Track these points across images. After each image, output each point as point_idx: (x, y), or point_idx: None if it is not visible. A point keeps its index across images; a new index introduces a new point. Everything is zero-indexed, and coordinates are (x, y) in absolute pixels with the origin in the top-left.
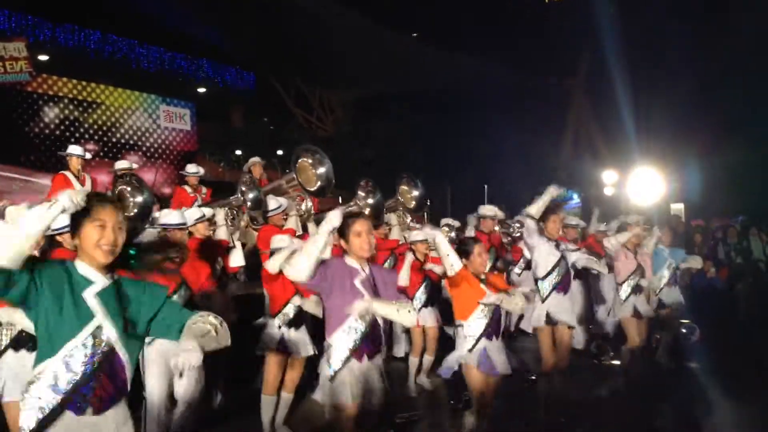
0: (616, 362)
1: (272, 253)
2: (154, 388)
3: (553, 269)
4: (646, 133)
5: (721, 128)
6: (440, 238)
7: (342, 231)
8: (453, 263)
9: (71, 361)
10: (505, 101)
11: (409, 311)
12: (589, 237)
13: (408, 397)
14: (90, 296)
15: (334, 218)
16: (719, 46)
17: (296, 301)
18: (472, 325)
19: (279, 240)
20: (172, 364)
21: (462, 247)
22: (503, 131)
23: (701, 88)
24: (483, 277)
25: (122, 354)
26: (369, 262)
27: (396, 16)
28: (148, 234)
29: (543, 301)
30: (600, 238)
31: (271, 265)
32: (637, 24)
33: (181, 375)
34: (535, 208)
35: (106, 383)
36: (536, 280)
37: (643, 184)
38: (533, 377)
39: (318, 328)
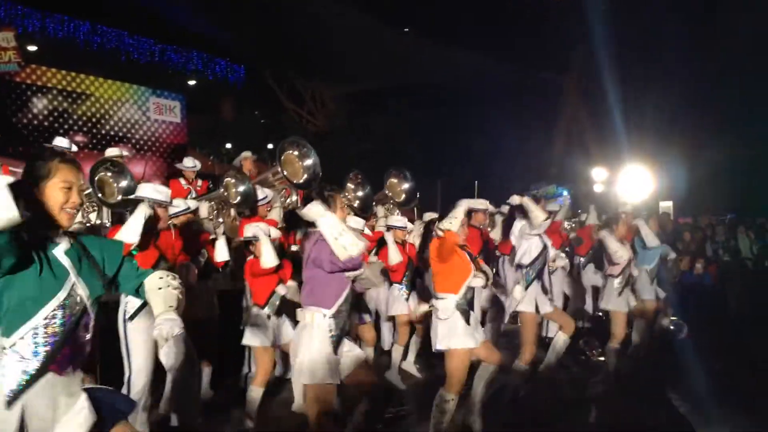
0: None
1: (247, 243)
2: (139, 366)
3: (537, 257)
4: (636, 130)
5: (710, 126)
6: None
7: (327, 204)
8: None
9: (52, 321)
10: (503, 97)
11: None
12: (585, 228)
13: (396, 392)
14: (60, 254)
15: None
16: (709, 46)
17: (280, 290)
18: (459, 298)
19: (253, 228)
20: (155, 334)
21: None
22: (499, 127)
23: (690, 86)
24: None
25: (91, 312)
26: None
27: (393, 11)
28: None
29: (527, 287)
30: (595, 230)
31: (270, 262)
32: (629, 23)
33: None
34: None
35: (80, 341)
36: (519, 267)
37: (633, 182)
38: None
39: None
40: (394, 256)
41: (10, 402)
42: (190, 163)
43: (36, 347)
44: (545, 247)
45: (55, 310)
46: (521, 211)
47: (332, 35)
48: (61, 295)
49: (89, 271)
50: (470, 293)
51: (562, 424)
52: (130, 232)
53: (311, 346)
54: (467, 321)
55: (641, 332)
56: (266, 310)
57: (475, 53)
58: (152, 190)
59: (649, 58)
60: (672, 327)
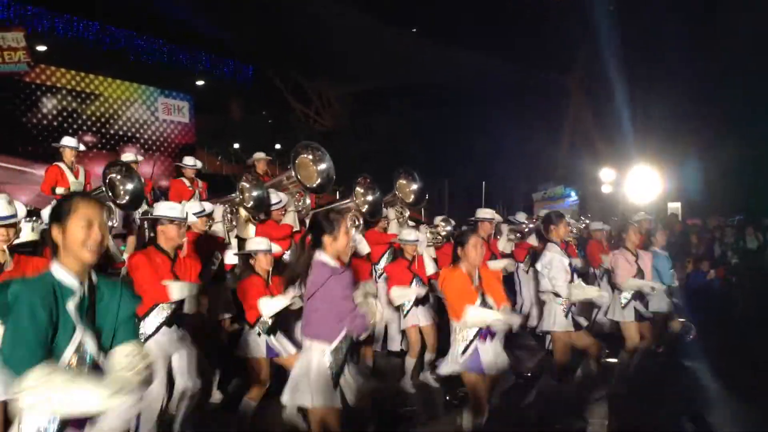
0: (612, 360)
1: (248, 255)
2: (153, 385)
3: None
4: (644, 131)
5: (719, 127)
6: None
7: (331, 228)
8: None
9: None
10: (506, 98)
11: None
12: (592, 242)
13: (403, 392)
14: (71, 308)
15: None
16: (717, 45)
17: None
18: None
19: (256, 243)
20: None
21: (458, 239)
22: (502, 128)
23: (699, 86)
24: (477, 274)
25: (102, 362)
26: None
27: (396, 12)
28: None
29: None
30: (599, 237)
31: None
32: (635, 22)
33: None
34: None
35: None
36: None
37: (641, 183)
38: (528, 374)
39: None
40: (431, 267)
41: None
42: (190, 162)
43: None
44: (570, 263)
45: (65, 367)
46: (547, 227)
47: (335, 35)
48: (70, 350)
49: (101, 323)
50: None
51: (566, 424)
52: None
53: (309, 374)
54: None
55: (649, 341)
56: (256, 329)
57: (478, 53)
58: (167, 208)
59: (655, 58)
60: (680, 328)
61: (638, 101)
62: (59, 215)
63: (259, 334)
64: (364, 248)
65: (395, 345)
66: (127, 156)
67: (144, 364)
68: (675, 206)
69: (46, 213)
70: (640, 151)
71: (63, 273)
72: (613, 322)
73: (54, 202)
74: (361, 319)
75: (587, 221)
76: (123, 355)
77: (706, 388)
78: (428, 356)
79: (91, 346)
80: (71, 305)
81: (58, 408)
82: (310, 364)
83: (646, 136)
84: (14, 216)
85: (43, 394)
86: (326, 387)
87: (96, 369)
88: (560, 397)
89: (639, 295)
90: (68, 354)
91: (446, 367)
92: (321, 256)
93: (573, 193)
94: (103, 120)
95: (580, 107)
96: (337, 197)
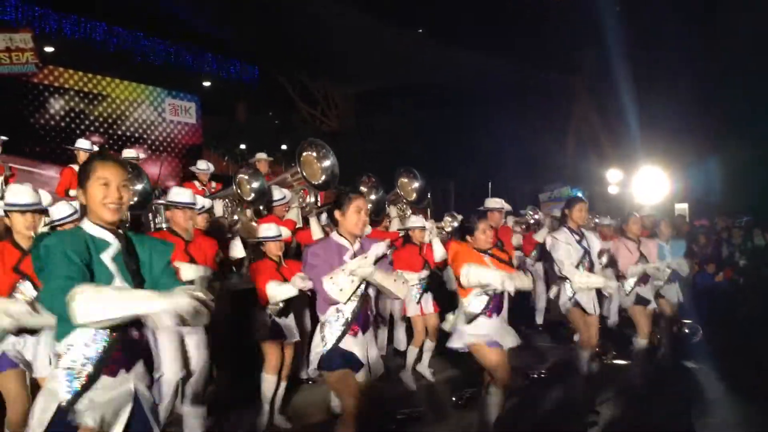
0: (620, 362)
1: (258, 243)
2: (170, 367)
3: (579, 262)
4: (651, 131)
5: (726, 127)
6: None
7: (341, 204)
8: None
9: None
10: (508, 98)
11: (403, 282)
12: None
13: (409, 393)
14: (108, 259)
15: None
16: (723, 46)
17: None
18: (472, 302)
19: (266, 228)
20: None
21: (466, 224)
22: (507, 128)
23: (706, 86)
24: (489, 251)
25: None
26: (360, 239)
27: (399, 11)
28: None
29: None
30: (606, 233)
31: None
32: (641, 22)
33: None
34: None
35: (131, 342)
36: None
37: (648, 184)
38: (538, 374)
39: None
40: (440, 252)
41: (69, 407)
42: (203, 166)
43: (87, 352)
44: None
45: None
46: (562, 213)
47: (340, 36)
48: None
49: (136, 275)
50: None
51: (573, 425)
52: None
53: (314, 346)
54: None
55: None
56: (267, 311)
57: (482, 53)
58: (175, 194)
59: (662, 58)
60: (686, 330)
61: (644, 101)
62: (82, 179)
63: (270, 317)
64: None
65: (402, 345)
66: (128, 153)
67: (208, 299)
68: (682, 207)
69: (54, 210)
70: (646, 151)
71: (93, 227)
72: (620, 317)
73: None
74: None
75: (596, 220)
76: (183, 288)
77: (711, 389)
78: (429, 344)
79: None
80: (107, 256)
81: (112, 310)
82: (314, 339)
83: (652, 136)
84: (39, 203)
85: (97, 298)
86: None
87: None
88: (568, 397)
89: (644, 280)
90: None
91: (455, 342)
92: (333, 234)
93: (579, 194)
94: (110, 121)
95: (586, 108)
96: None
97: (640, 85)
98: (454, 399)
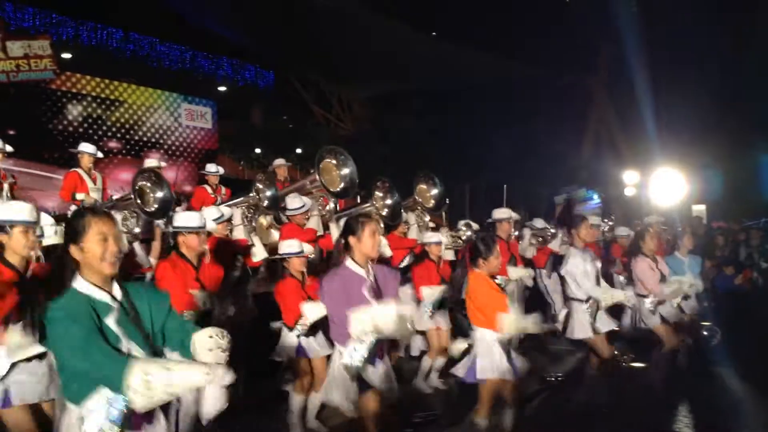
0: (638, 365)
1: (282, 259)
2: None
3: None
4: (668, 133)
5: (744, 129)
6: None
7: (354, 230)
8: None
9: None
10: (524, 100)
11: (408, 318)
12: (616, 246)
13: (425, 396)
14: (112, 323)
15: None
16: (741, 46)
17: (307, 312)
18: (494, 333)
19: (288, 245)
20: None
21: (478, 248)
22: (522, 130)
23: (724, 88)
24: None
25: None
26: (372, 262)
27: (413, 14)
28: None
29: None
30: (624, 243)
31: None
32: (658, 22)
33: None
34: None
35: None
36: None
37: (665, 185)
38: (555, 378)
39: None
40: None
41: None
42: (212, 168)
43: (110, 412)
44: (596, 268)
45: None
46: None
47: (355, 39)
48: None
49: (141, 332)
50: None
51: (589, 428)
52: None
53: (335, 373)
54: (507, 355)
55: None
56: (295, 332)
57: (499, 56)
58: (185, 219)
59: (679, 59)
60: (705, 333)
61: (662, 103)
62: (75, 234)
63: (298, 336)
64: (387, 251)
65: (416, 351)
66: (151, 162)
67: (226, 342)
68: (699, 209)
69: None
70: (664, 153)
71: (92, 288)
72: (638, 328)
73: (65, 224)
74: (344, 330)
75: (611, 223)
76: (206, 337)
77: (732, 392)
78: (441, 361)
79: (137, 355)
80: (111, 319)
81: (170, 390)
82: (335, 365)
83: (669, 138)
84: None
85: (156, 383)
86: (348, 386)
87: None
88: (584, 401)
89: (662, 300)
90: None
91: (486, 373)
92: (347, 261)
93: (595, 196)
94: (127, 126)
95: (602, 109)
96: (358, 201)
97: (657, 85)
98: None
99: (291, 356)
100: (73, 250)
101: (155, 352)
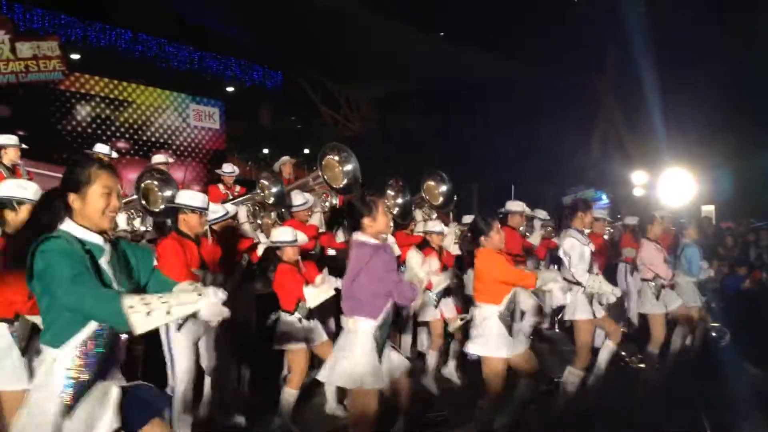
0: (643, 366)
1: (275, 248)
2: (183, 372)
3: (590, 264)
4: (677, 133)
5: (753, 129)
6: None
7: (369, 209)
8: None
9: (100, 332)
10: (531, 99)
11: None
12: (625, 234)
13: (434, 396)
14: (105, 264)
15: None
16: (752, 45)
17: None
18: (502, 309)
19: (282, 232)
20: (203, 314)
21: (478, 226)
22: (530, 130)
23: (733, 87)
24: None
25: None
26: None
27: (420, 14)
28: None
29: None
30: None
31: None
32: (667, 21)
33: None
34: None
35: (117, 348)
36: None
37: (674, 186)
38: (555, 379)
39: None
40: (434, 262)
41: (66, 411)
42: (228, 169)
43: (87, 358)
44: (592, 252)
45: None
46: (572, 212)
47: (362, 39)
48: None
49: (127, 278)
50: (513, 303)
51: (594, 429)
52: None
53: (354, 353)
54: (509, 331)
55: (682, 338)
56: (296, 315)
57: (506, 55)
58: (189, 197)
59: (688, 59)
60: (714, 333)
61: (670, 103)
62: (76, 183)
63: (299, 320)
64: (396, 250)
65: (425, 347)
66: (158, 158)
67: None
68: (708, 209)
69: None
70: (672, 153)
71: (85, 232)
72: (640, 320)
73: (67, 170)
74: (409, 288)
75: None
76: (186, 284)
77: (739, 394)
78: (455, 347)
79: None
80: (104, 261)
81: (168, 309)
82: (354, 345)
83: (678, 138)
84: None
85: (150, 308)
86: (372, 367)
87: None
88: (588, 402)
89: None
90: None
91: (479, 348)
92: (360, 236)
93: (604, 196)
94: (135, 127)
95: (610, 108)
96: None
97: (665, 85)
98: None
99: (291, 344)
100: (72, 198)
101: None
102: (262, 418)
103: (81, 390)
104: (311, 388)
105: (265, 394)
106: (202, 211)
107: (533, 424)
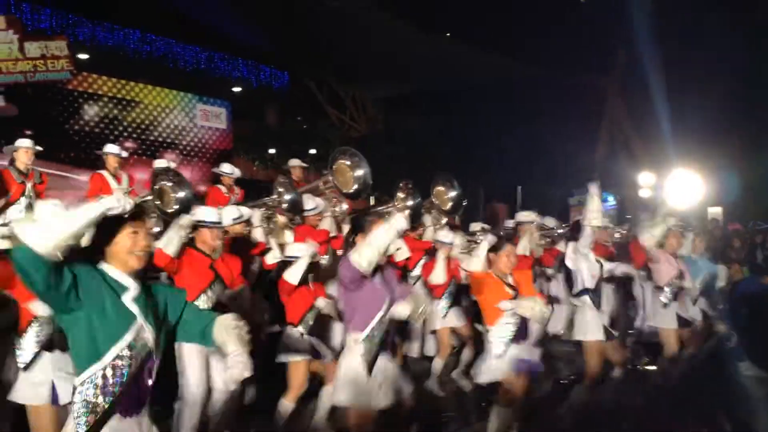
0: (651, 368)
1: (287, 263)
2: (192, 385)
3: (599, 279)
4: (684, 134)
5: (761, 130)
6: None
7: (364, 228)
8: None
9: (119, 363)
10: (537, 100)
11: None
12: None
13: (438, 398)
14: (129, 301)
15: (401, 222)
16: (758, 46)
17: (319, 303)
18: (500, 330)
19: (296, 249)
20: (227, 374)
21: (494, 245)
22: (536, 131)
23: (740, 88)
24: (509, 277)
25: (155, 356)
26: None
27: (427, 15)
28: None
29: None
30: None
31: (293, 277)
32: (673, 22)
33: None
34: (596, 217)
35: (144, 384)
36: (582, 291)
37: (681, 187)
38: (565, 381)
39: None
40: (440, 275)
41: None
42: (227, 169)
43: (104, 388)
44: (601, 265)
45: (122, 351)
46: (575, 229)
47: (368, 39)
48: (128, 337)
49: (158, 318)
50: (518, 320)
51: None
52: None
53: (345, 369)
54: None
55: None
56: (299, 329)
57: (511, 56)
58: (202, 213)
59: (695, 59)
60: (721, 336)
61: (677, 102)
62: (107, 223)
63: (302, 335)
64: (404, 253)
65: (432, 351)
66: (161, 162)
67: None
68: (716, 211)
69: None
70: (680, 154)
71: (114, 271)
72: (652, 329)
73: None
74: (402, 288)
75: (625, 230)
76: (230, 319)
77: (748, 396)
78: (467, 354)
79: (149, 335)
80: (128, 298)
81: (59, 228)
82: (345, 360)
83: (686, 138)
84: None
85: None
86: (360, 382)
87: (149, 355)
88: (596, 405)
89: (679, 295)
90: (129, 337)
91: (485, 376)
92: (351, 254)
93: (610, 198)
94: (143, 127)
95: (617, 110)
96: (371, 203)
97: (672, 85)
98: (484, 404)
99: (293, 359)
100: (101, 239)
101: (167, 339)
102: (268, 425)
103: (97, 421)
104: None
105: (271, 400)
106: (215, 226)
107: (543, 425)
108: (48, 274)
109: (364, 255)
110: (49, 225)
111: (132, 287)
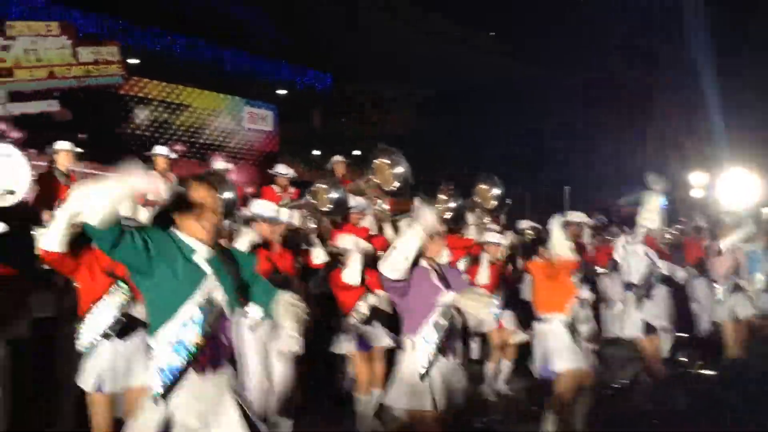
0: (707, 372)
1: (336, 254)
2: (255, 371)
3: (647, 274)
4: (738, 132)
5: None
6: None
7: None
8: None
9: (192, 321)
10: (585, 98)
11: (490, 310)
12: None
13: (485, 401)
14: (200, 259)
15: (430, 220)
16: None
17: (370, 298)
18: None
19: (344, 239)
20: (279, 346)
21: (540, 237)
22: (583, 130)
23: None
24: None
25: (229, 315)
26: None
27: (471, 14)
28: None
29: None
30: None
31: (353, 278)
32: (725, 15)
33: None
34: (651, 219)
35: (220, 343)
36: (627, 285)
37: (735, 187)
38: (618, 386)
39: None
40: (484, 277)
41: (158, 401)
42: (283, 170)
43: (179, 345)
44: (653, 262)
45: (193, 310)
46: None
47: (410, 39)
48: (200, 295)
49: (229, 279)
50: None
51: None
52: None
53: (401, 371)
54: (574, 341)
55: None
56: (351, 319)
57: (559, 53)
58: (260, 207)
59: (749, 54)
60: None
61: (730, 100)
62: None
63: (354, 325)
64: (444, 258)
65: (475, 353)
66: (219, 164)
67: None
68: None
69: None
70: (733, 152)
71: (185, 236)
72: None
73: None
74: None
75: (676, 231)
76: (291, 297)
77: None
78: (506, 364)
79: (220, 294)
80: (199, 257)
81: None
82: (401, 362)
83: (740, 136)
84: None
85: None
86: (415, 386)
87: (222, 314)
88: (649, 408)
89: (736, 289)
90: (200, 296)
91: (561, 363)
92: (380, 264)
93: (662, 199)
94: (192, 130)
95: (667, 106)
96: (414, 203)
97: (725, 81)
98: (533, 408)
99: (349, 348)
100: (177, 216)
101: (239, 301)
102: (317, 421)
103: (172, 380)
104: None
105: (319, 396)
106: (271, 221)
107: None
108: (113, 239)
109: (392, 264)
110: (89, 203)
111: (203, 249)
